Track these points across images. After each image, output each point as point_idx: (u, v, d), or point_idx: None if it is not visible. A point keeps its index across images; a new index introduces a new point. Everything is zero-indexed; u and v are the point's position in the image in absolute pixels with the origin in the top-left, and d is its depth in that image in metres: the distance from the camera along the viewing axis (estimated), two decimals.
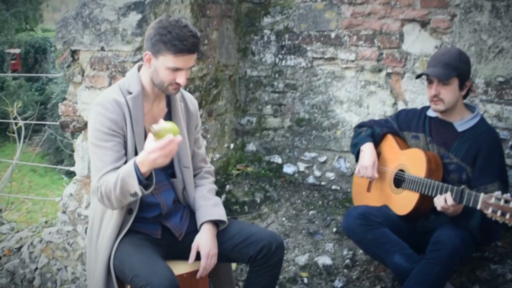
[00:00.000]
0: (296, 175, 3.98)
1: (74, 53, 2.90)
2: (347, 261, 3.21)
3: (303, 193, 3.84)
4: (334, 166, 3.89)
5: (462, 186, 2.57)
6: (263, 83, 3.98)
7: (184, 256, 2.46)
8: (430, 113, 2.97)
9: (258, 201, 3.72)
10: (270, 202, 3.73)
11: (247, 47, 3.98)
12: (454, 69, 2.75)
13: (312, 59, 3.83)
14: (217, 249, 2.46)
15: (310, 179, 3.95)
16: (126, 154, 2.31)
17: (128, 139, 2.32)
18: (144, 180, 2.14)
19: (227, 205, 3.69)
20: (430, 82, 2.82)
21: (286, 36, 3.88)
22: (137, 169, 2.11)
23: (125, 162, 2.28)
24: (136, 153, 2.31)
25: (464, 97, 2.90)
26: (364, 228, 2.78)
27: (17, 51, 20.93)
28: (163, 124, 2.10)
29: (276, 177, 3.96)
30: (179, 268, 2.47)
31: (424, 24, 3.53)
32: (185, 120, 2.54)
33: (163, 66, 2.26)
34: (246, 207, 3.68)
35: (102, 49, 2.90)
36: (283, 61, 3.91)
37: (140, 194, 2.14)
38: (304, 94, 3.89)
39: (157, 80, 2.31)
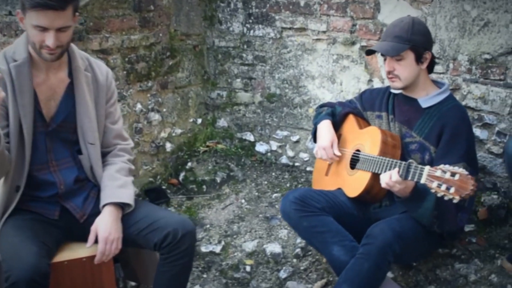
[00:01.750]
0: (269, 154, 3.72)
1: None
2: (298, 250, 2.95)
3: (273, 174, 3.59)
4: (308, 147, 3.60)
5: (410, 160, 2.28)
6: (232, 54, 3.71)
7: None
8: (395, 89, 2.65)
9: (219, 181, 3.49)
10: (234, 182, 3.50)
11: (214, 15, 3.70)
12: (405, 41, 2.43)
13: (281, 29, 3.52)
14: (120, 233, 2.26)
15: (283, 159, 3.68)
16: (8, 125, 2.14)
17: (10, 110, 2.13)
18: None
19: (184, 184, 3.49)
20: (385, 57, 2.51)
21: (253, 3, 3.57)
22: None
23: (7, 134, 2.12)
24: (20, 125, 2.14)
25: (430, 70, 2.57)
26: (300, 214, 2.52)
27: None
28: None
29: (247, 156, 3.72)
30: (80, 252, 2.30)
31: None
32: (92, 93, 2.32)
33: (30, 25, 2.05)
34: (205, 186, 3.47)
35: (10, 13, 2.71)
36: (251, 31, 3.61)
37: None
38: (274, 67, 3.59)
39: (30, 42, 2.12)
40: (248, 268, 2.88)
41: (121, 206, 2.30)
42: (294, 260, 2.90)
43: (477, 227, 2.94)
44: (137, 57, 3.19)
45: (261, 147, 3.73)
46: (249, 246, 2.99)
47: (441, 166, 2.13)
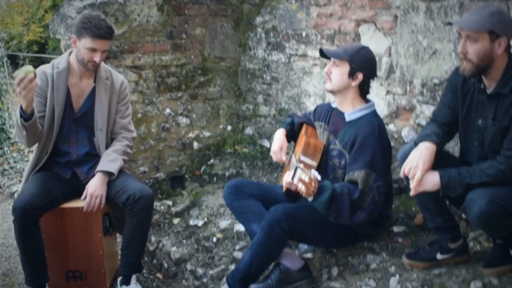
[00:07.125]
0: None
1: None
2: None
3: (275, 174, 4.27)
4: None
5: (297, 164, 2.79)
6: (256, 75, 4.51)
7: None
8: (334, 104, 3.22)
9: (227, 175, 4.29)
10: (240, 177, 4.26)
11: (246, 42, 4.54)
12: (347, 55, 2.94)
13: (289, 55, 4.23)
14: (104, 192, 3.20)
15: None
16: (45, 110, 3.17)
17: (48, 100, 3.19)
18: (24, 114, 2.95)
19: (203, 175, 4.37)
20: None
21: (272, 34, 4.34)
22: (20, 106, 2.95)
23: (42, 117, 3.16)
24: (53, 111, 3.17)
25: (362, 92, 3.04)
26: (232, 197, 3.23)
27: None
28: (23, 68, 2.85)
29: (262, 159, 4.46)
30: (79, 203, 3.27)
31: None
32: (108, 94, 3.32)
33: (84, 47, 3.09)
34: (215, 178, 4.30)
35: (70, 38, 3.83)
36: (270, 56, 4.38)
37: (20, 123, 2.94)
38: (284, 86, 4.31)
39: (79, 57, 3.15)
40: (215, 239, 3.64)
41: (108, 174, 3.28)
42: None
43: (409, 230, 3.30)
44: (168, 73, 4.17)
45: None
46: (224, 224, 3.74)
47: (307, 171, 2.68)
